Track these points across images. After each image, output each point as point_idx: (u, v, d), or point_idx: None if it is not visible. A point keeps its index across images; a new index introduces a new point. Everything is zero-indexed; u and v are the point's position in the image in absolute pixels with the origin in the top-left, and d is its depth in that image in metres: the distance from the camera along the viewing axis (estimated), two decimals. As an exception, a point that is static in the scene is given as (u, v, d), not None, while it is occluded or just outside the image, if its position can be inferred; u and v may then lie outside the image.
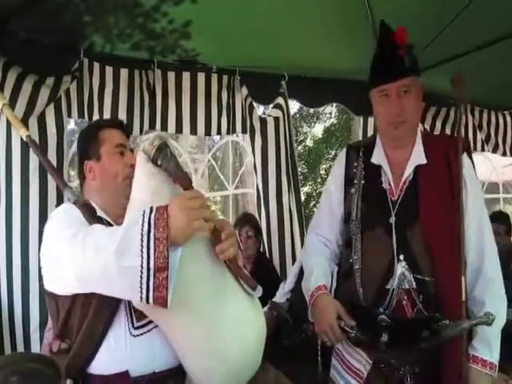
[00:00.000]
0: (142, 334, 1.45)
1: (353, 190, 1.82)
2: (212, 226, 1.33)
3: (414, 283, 1.68)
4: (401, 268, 1.69)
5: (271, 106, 3.59)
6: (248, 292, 1.46)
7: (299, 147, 11.31)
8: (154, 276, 1.21)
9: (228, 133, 3.49)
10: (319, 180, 11.40)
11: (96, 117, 2.93)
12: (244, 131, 3.49)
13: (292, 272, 2.29)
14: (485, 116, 4.57)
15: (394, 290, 1.68)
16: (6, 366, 1.28)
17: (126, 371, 1.41)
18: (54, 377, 1.32)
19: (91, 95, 2.93)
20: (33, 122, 2.66)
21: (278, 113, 3.47)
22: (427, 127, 4.13)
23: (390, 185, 1.79)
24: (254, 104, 3.40)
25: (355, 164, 1.85)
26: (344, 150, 1.96)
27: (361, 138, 3.77)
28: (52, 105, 2.74)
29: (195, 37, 2.84)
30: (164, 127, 3.21)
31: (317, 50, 3.10)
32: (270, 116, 3.50)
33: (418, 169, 1.77)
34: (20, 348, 2.63)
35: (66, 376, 1.38)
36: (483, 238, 1.74)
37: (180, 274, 1.27)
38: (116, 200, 1.55)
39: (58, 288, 1.45)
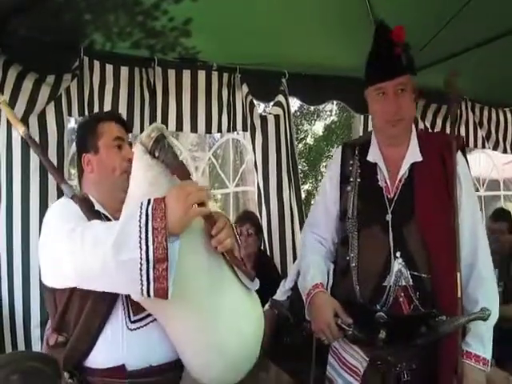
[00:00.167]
0: (139, 328, 1.45)
1: (349, 188, 1.82)
2: (208, 211, 1.33)
3: (411, 280, 1.69)
4: (397, 265, 1.70)
5: (272, 103, 3.58)
6: (245, 284, 1.46)
7: (300, 145, 11.33)
8: (154, 267, 1.21)
9: (228, 130, 3.49)
10: (320, 178, 11.39)
11: (96, 115, 2.94)
12: (244, 129, 3.48)
13: (293, 270, 2.28)
14: (485, 113, 4.57)
15: (390, 287, 1.69)
16: (6, 364, 1.28)
17: (123, 365, 1.42)
18: (55, 376, 1.31)
19: (91, 93, 2.93)
20: (33, 120, 2.67)
21: (278, 110, 3.46)
22: (428, 124, 4.13)
23: (386, 182, 1.79)
24: (255, 102, 3.40)
25: (351, 162, 1.86)
26: (339, 148, 1.96)
27: (361, 136, 3.78)
28: (52, 103, 2.74)
29: (195, 35, 2.83)
30: (164, 125, 3.19)
31: (317, 47, 3.09)
32: (270, 114, 3.49)
33: (413, 166, 1.78)
34: (21, 346, 2.63)
35: (62, 369, 1.39)
36: (477, 233, 1.75)
37: (178, 265, 1.26)
38: (113, 194, 1.54)
39: (56, 282, 1.44)
